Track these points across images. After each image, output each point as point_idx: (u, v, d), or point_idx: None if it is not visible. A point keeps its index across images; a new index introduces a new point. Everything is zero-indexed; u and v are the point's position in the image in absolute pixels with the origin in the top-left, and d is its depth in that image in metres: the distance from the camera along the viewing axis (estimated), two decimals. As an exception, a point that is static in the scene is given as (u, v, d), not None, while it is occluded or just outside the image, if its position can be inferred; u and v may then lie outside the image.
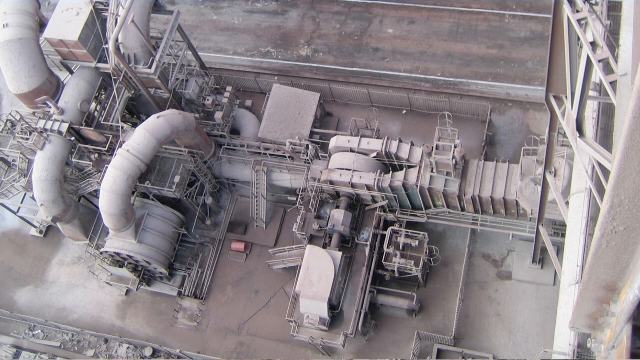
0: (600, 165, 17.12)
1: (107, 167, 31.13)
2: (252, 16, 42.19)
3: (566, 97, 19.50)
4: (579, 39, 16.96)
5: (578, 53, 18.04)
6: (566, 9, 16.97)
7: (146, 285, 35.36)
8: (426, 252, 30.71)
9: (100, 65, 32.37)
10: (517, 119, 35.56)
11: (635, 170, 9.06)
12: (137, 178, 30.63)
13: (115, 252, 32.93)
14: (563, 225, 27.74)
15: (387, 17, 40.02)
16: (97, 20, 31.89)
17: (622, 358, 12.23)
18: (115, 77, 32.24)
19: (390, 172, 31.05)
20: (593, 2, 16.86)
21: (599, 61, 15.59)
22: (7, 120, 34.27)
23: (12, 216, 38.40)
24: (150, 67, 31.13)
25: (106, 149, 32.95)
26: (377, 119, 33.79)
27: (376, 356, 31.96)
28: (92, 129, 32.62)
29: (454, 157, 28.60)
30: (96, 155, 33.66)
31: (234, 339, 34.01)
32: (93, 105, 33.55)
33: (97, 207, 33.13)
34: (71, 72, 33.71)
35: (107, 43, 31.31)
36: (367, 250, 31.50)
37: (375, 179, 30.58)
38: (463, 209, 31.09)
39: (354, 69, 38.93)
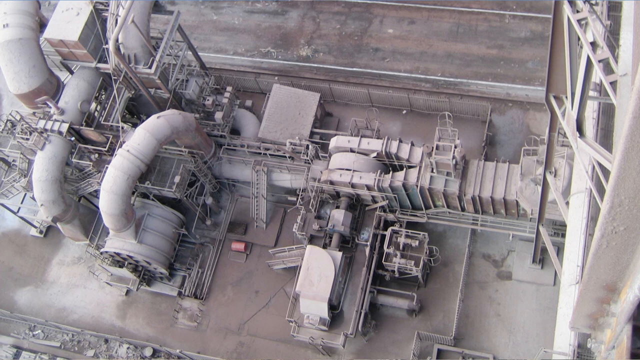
0: (600, 165, 17.12)
1: (107, 167, 31.13)
2: (252, 16, 42.19)
3: (566, 97, 19.50)
4: (579, 39, 16.96)
5: (578, 53, 18.04)
6: (566, 9, 16.97)
7: (146, 285, 35.37)
8: (426, 252, 30.71)
9: (100, 65, 32.37)
10: (517, 119, 35.56)
11: (635, 170, 9.06)
12: (137, 178, 30.63)
13: (115, 252, 32.93)
14: (563, 225, 27.74)
15: (387, 17, 40.02)
16: (97, 20, 31.89)
17: (622, 358, 12.23)
18: (115, 77, 32.24)
19: (390, 172, 31.06)
20: (593, 2, 16.86)
21: (599, 61, 15.59)
22: (7, 120, 34.27)
23: (12, 216, 38.40)
24: (150, 67, 31.13)
25: (106, 149, 32.95)
26: (377, 119, 33.79)
27: (376, 356, 31.96)
28: (92, 129, 32.62)
29: (454, 157, 28.61)
30: (96, 155, 33.66)
31: (234, 339, 34.01)
32: (93, 105, 33.55)
33: (97, 207, 33.13)
34: (71, 72, 33.71)
35: (107, 43, 31.31)
36: (367, 250, 31.50)
37: (375, 179, 30.58)
38: (463, 209, 31.09)
39: (354, 69, 38.93)
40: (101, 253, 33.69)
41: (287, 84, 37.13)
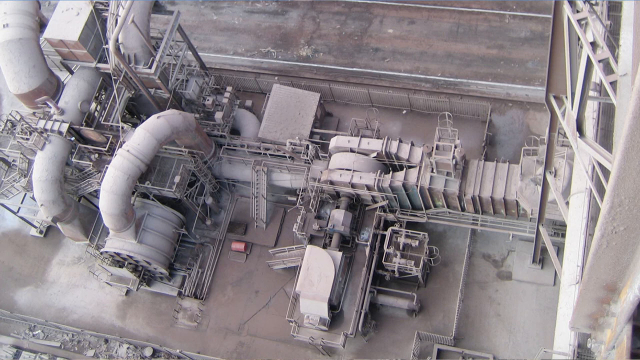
0: (600, 165, 17.12)
1: (107, 167, 31.13)
2: (252, 16, 42.19)
3: (566, 97, 19.50)
4: (579, 39, 16.96)
5: (578, 53, 18.04)
6: (566, 9, 16.97)
7: (146, 285, 35.37)
8: (426, 252, 30.71)
9: (100, 65, 32.37)
10: (517, 119, 35.56)
11: (635, 170, 9.06)
12: (137, 178, 30.63)
13: (115, 252, 32.93)
14: (563, 225, 27.74)
15: (387, 17, 40.02)
16: (97, 20, 31.89)
17: (622, 358, 12.23)
18: (115, 77, 32.24)
19: (390, 172, 31.05)
20: (593, 2, 16.86)
21: (599, 61, 15.59)
22: (7, 120, 34.27)
23: (12, 216, 38.40)
24: (150, 67, 31.13)
25: (106, 149, 32.95)
26: (377, 119, 33.79)
27: (376, 356, 31.96)
28: (92, 129, 32.62)
29: (454, 157, 28.61)
30: (96, 155, 33.66)
31: (234, 339, 34.01)
32: (93, 105, 33.55)
33: (97, 207, 33.13)
34: (71, 72, 33.71)
35: (107, 43, 31.31)
36: (367, 250, 31.50)
37: (375, 179, 30.58)
38: (463, 209, 31.09)
39: (354, 69, 38.93)
40: (101, 253, 33.69)
41: (287, 84, 37.14)
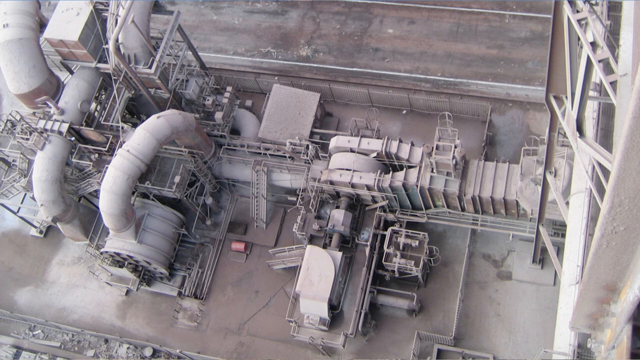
0: (600, 165, 17.12)
1: (107, 167, 31.13)
2: (252, 16, 42.19)
3: (566, 97, 19.50)
4: (579, 39, 16.96)
5: (578, 53, 18.04)
6: (566, 9, 16.97)
7: (146, 285, 35.36)
8: (426, 252, 30.71)
9: (100, 65, 32.37)
10: (517, 119, 35.56)
11: (635, 170, 9.06)
12: (137, 178, 30.63)
13: (115, 252, 32.93)
14: (563, 225, 27.74)
15: (387, 17, 40.02)
16: (97, 20, 31.89)
17: (622, 358, 12.23)
18: (115, 77, 32.24)
19: (390, 172, 31.05)
20: (593, 2, 16.86)
21: (599, 61, 15.59)
22: (7, 120, 34.27)
23: (12, 216, 38.40)
24: (150, 67, 31.13)
25: (106, 149, 32.95)
26: (377, 119, 33.79)
27: (376, 356, 31.96)
28: (92, 129, 32.62)
29: (454, 157, 28.60)
30: (96, 155, 33.66)
31: (234, 339, 34.01)
32: (93, 105, 33.55)
33: (97, 207, 33.13)
34: (71, 72, 33.71)
35: (107, 43, 31.31)
36: (367, 250, 31.50)
37: (375, 179, 30.58)
38: (463, 209, 31.09)
39: (354, 69, 38.93)
40: (101, 253, 33.69)
41: (287, 84, 37.14)
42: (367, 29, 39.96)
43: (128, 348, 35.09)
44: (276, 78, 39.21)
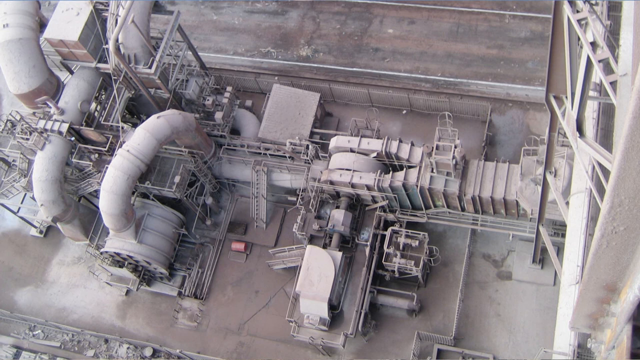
0: (600, 165, 17.12)
1: (107, 167, 31.13)
2: (252, 16, 42.19)
3: (566, 97, 19.50)
4: (579, 39, 16.96)
5: (578, 53, 18.04)
6: (566, 9, 16.97)
7: (146, 285, 35.36)
8: (426, 252, 30.71)
9: (100, 65, 32.37)
10: (517, 119, 35.56)
11: (635, 170, 9.06)
12: (137, 178, 30.63)
13: (115, 252, 32.93)
14: (563, 225, 27.74)
15: (387, 17, 40.02)
16: (97, 20, 31.89)
17: (622, 358, 12.23)
18: (115, 77, 32.24)
19: (390, 172, 31.05)
20: (593, 2, 16.86)
21: (599, 61, 15.59)
22: (7, 120, 34.27)
23: (12, 216, 38.40)
24: (150, 67, 31.13)
25: (106, 149, 32.95)
26: (377, 119, 33.79)
27: (376, 356, 31.96)
28: (92, 129, 32.62)
29: (454, 157, 28.60)
30: (96, 155, 33.66)
31: (234, 339, 34.01)
32: (93, 105, 33.55)
33: (97, 207, 33.13)
34: (71, 72, 33.71)
35: (107, 43, 31.31)
36: (367, 250, 31.50)
37: (375, 179, 30.58)
38: (463, 209, 31.09)
39: (354, 69, 38.93)
40: (101, 253, 33.69)
41: (287, 84, 37.14)
42: (367, 29, 39.96)
43: (128, 348, 35.10)
44: (276, 78, 39.21)
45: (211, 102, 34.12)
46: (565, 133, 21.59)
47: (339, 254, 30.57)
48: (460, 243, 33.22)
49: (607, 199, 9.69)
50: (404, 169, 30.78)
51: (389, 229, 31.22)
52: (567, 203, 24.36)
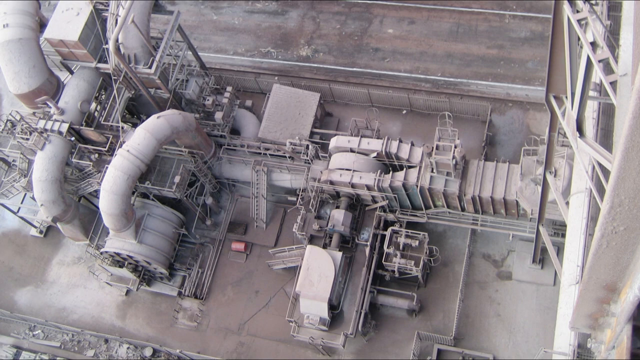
0: (600, 165, 17.12)
1: (107, 167, 31.14)
2: (252, 16, 42.20)
3: (566, 97, 19.50)
4: (579, 39, 16.96)
5: (578, 53, 18.04)
6: (566, 9, 16.97)
7: (146, 285, 35.36)
8: (426, 252, 30.71)
9: (100, 65, 32.38)
10: (517, 119, 35.56)
11: (635, 170, 9.06)
12: (137, 178, 30.63)
13: (115, 252, 32.93)
14: (563, 225, 27.74)
15: (387, 17, 40.02)
16: (97, 20, 31.89)
17: (622, 358, 12.23)
18: (115, 77, 32.24)
19: (390, 172, 31.05)
20: (593, 2, 16.86)
21: (599, 61, 15.59)
22: (7, 120, 34.27)
23: (12, 216, 38.41)
24: (150, 67, 31.14)
25: (106, 149, 32.96)
26: (377, 119, 33.79)
27: (376, 356, 31.97)
28: (92, 129, 32.62)
29: (454, 157, 28.60)
30: (96, 155, 33.66)
31: (234, 339, 34.01)
32: (93, 105, 33.55)
33: (97, 207, 33.14)
34: (71, 72, 33.71)
35: (107, 43, 31.32)
36: (367, 250, 31.50)
37: (375, 179, 30.58)
38: (463, 209, 31.09)
39: (354, 69, 38.93)
40: (101, 253, 33.69)
41: (287, 84, 37.14)
42: (367, 29, 39.96)
43: (128, 348, 35.10)
44: (276, 78, 39.21)
45: (211, 102, 34.12)
46: (565, 133, 21.59)
47: (339, 254, 30.58)
48: (460, 243, 33.22)
49: (607, 199, 9.69)
50: (404, 169, 30.77)
51: (389, 229, 31.22)
52: (567, 203, 24.36)
